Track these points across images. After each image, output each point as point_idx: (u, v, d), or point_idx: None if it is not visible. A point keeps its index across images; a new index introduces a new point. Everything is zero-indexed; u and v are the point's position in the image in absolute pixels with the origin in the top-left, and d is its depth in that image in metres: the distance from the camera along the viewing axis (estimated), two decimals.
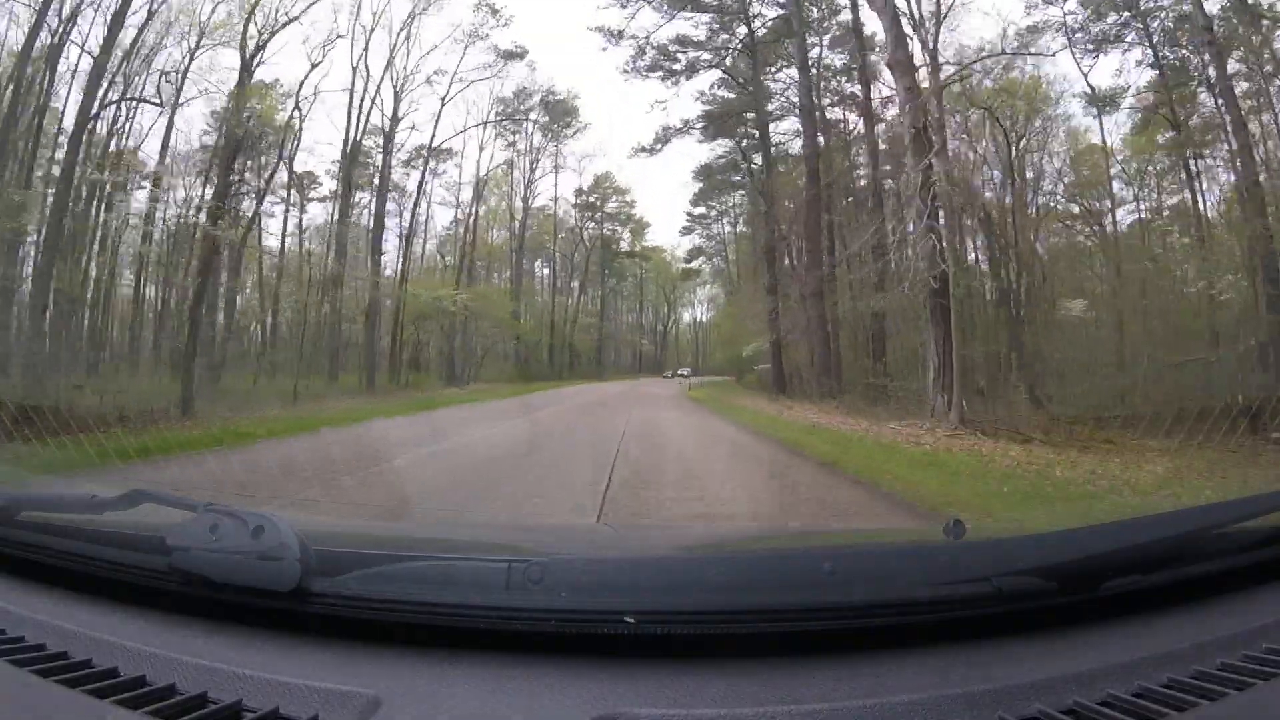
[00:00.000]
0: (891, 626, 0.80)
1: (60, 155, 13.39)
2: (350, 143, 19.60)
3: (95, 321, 15.01)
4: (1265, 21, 11.91)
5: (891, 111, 17.86)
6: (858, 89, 19.00)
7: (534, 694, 0.71)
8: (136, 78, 15.00)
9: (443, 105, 21.39)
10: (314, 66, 17.94)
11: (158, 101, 14.70)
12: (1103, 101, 14.98)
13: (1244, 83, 12.57)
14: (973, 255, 17.75)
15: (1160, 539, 0.92)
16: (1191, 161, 13.66)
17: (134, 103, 14.48)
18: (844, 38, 18.50)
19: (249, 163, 16.78)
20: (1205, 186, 13.89)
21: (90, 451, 5.53)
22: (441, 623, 0.80)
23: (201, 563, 0.83)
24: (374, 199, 21.14)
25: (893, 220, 15.43)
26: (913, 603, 0.81)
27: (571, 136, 26.54)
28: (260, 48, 16.14)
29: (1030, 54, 15.00)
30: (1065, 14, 14.55)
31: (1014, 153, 15.61)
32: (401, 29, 19.85)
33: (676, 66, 20.48)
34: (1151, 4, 13.63)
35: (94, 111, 13.21)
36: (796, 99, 19.95)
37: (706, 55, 20.32)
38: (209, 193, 16.08)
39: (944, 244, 10.69)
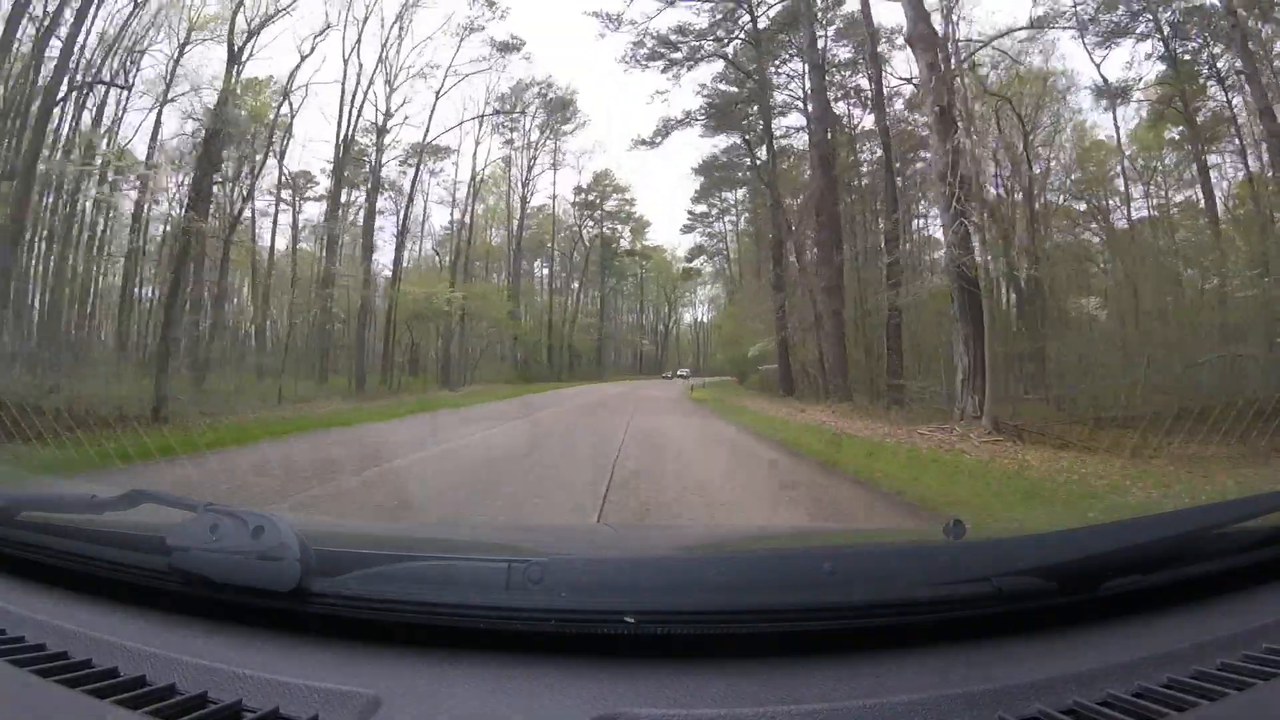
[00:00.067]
0: (891, 626, 0.81)
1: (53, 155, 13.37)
2: (343, 137, 19.50)
3: (75, 320, 14.80)
4: None
5: (898, 106, 17.93)
6: (863, 82, 18.95)
7: (534, 694, 0.72)
8: (127, 74, 15.06)
9: (437, 99, 21.32)
10: (304, 59, 17.93)
11: (123, 85, 14.38)
12: (1114, 94, 14.99)
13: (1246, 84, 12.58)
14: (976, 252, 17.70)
15: (1160, 539, 0.94)
16: (1201, 156, 13.70)
17: (102, 86, 14.16)
18: (849, 29, 18.42)
19: (227, 153, 16.55)
20: (1217, 181, 13.94)
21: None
22: (441, 623, 0.81)
23: (201, 563, 0.85)
24: (367, 196, 21.12)
25: (907, 211, 15.36)
26: (913, 603, 0.83)
27: (570, 133, 26.51)
28: (251, 35, 16.03)
29: (1055, 27, 14.68)
30: (1075, 4, 14.56)
31: (1027, 144, 15.54)
32: (395, 21, 19.79)
33: (677, 55, 20.24)
34: None
35: (60, 95, 12.90)
36: (800, 94, 19.90)
37: (708, 44, 20.07)
38: (205, 193, 16.03)
39: (976, 230, 10.10)
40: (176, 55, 15.26)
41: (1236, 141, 13.10)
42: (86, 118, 14.62)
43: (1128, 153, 15.37)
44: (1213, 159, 13.90)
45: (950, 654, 0.78)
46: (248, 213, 19.35)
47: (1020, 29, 14.53)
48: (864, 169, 20.05)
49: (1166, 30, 13.64)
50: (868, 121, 19.45)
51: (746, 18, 19.46)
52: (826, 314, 16.19)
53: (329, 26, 18.08)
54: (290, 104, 18.39)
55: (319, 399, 15.74)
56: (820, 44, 18.48)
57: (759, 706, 0.69)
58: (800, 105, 20.06)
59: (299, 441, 8.37)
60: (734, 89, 21.09)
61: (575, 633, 0.80)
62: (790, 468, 7.09)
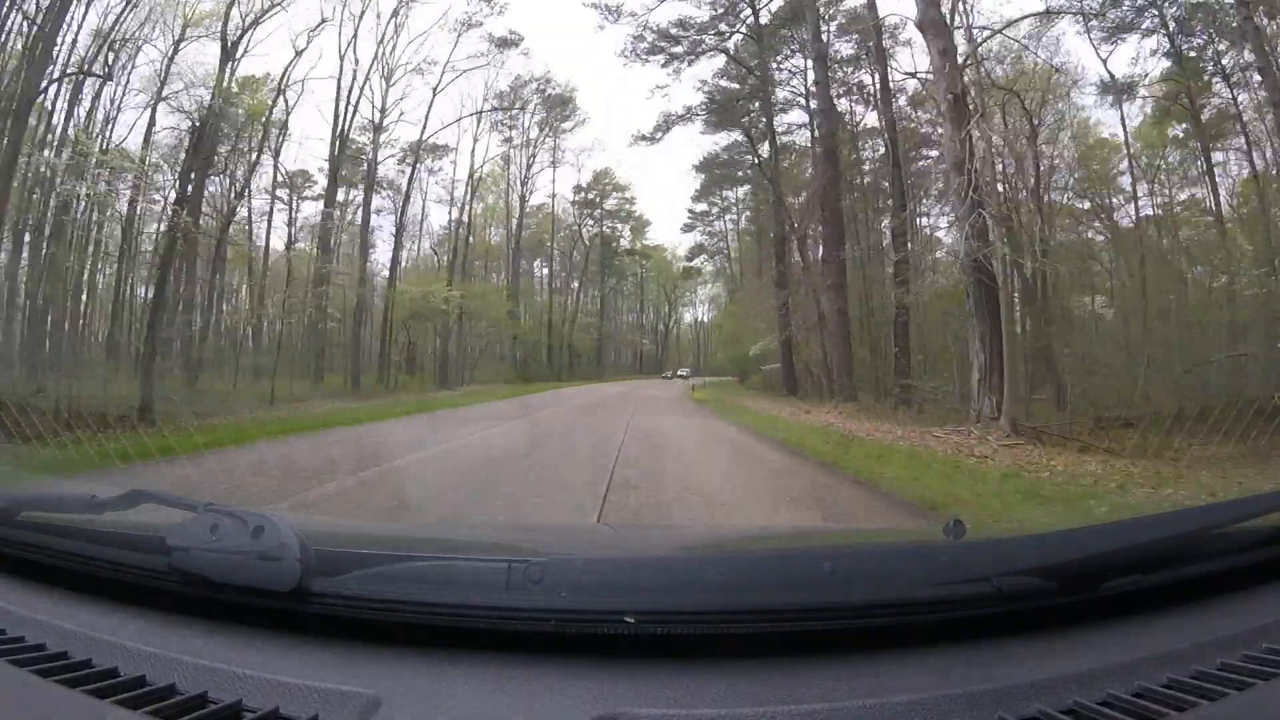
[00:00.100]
0: (891, 626, 0.82)
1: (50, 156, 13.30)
2: (338, 132, 19.47)
3: (63, 319, 14.62)
4: None
5: (900, 102, 17.86)
6: (866, 78, 18.90)
7: (534, 694, 0.73)
8: (110, 66, 15.01)
9: (434, 95, 21.37)
10: (298, 54, 17.80)
11: (103, 75, 14.21)
12: (1120, 89, 14.98)
13: (1258, 75, 12.58)
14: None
15: (1160, 539, 0.94)
16: (1208, 152, 13.69)
17: (95, 82, 14.12)
18: (852, 24, 18.33)
19: (221, 149, 16.51)
20: (1221, 178, 13.94)
21: None
22: (441, 623, 0.82)
23: (201, 563, 0.85)
24: (364, 193, 21.09)
25: (913, 208, 15.20)
26: (913, 603, 0.83)
27: (570, 130, 26.54)
28: (245, 30, 15.99)
29: (1065, 13, 14.31)
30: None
31: (1034, 138, 15.47)
32: (391, 16, 19.79)
33: (677, 50, 20.19)
34: None
35: (41, 86, 12.71)
36: (802, 90, 19.86)
37: (709, 38, 19.98)
38: (195, 188, 15.96)
39: (996, 221, 9.71)
40: (171, 52, 15.26)
41: (1241, 139, 13.14)
42: (82, 115, 14.65)
43: (1129, 153, 15.41)
44: (1216, 157, 13.93)
45: (950, 654, 0.79)
46: (244, 211, 19.36)
47: (1033, 14, 14.30)
48: (865, 166, 20.04)
49: (1172, 26, 13.66)
50: (870, 119, 19.45)
51: (748, 11, 19.41)
52: (831, 312, 15.92)
53: (324, 22, 18.09)
54: (285, 101, 18.40)
55: (314, 399, 15.68)
56: (824, 36, 18.44)
57: (759, 706, 0.70)
58: (802, 102, 20.06)
59: (281, 445, 8.03)
60: (735, 85, 21.04)
61: (575, 633, 0.80)
62: (794, 470, 6.75)
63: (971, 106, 10.37)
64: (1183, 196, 15.12)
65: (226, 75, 15.80)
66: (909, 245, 16.01)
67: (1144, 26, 14.23)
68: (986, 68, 14.95)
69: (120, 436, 7.09)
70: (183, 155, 15.52)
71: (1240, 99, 13.04)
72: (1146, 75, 14.62)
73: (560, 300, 30.61)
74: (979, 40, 12.90)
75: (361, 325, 20.77)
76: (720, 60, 20.70)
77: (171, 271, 15.11)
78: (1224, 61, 12.98)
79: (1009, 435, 8.55)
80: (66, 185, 13.30)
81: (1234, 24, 12.49)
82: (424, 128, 21.74)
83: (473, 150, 25.42)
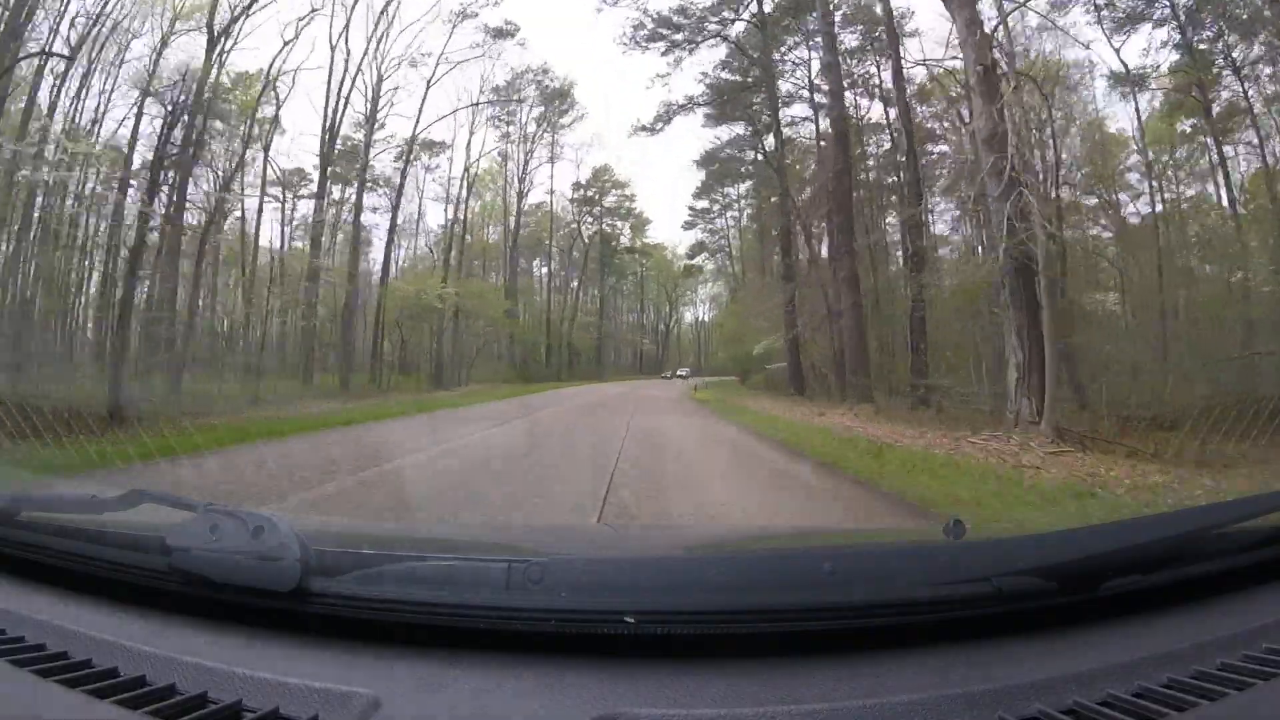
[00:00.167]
0: (891, 626, 0.83)
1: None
2: (329, 125, 19.40)
3: (22, 314, 14.13)
4: None
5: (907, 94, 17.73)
6: (871, 70, 18.85)
7: (534, 694, 0.74)
8: (113, 68, 14.98)
9: (429, 87, 21.37)
10: (286, 44, 17.76)
11: (67, 55, 13.80)
12: (1134, 81, 14.95)
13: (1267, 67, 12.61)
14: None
15: (1160, 539, 0.96)
16: (1220, 146, 13.67)
17: (44, 58, 13.68)
18: (857, 14, 18.29)
19: (207, 141, 16.32)
20: (1237, 172, 13.93)
21: None
22: (441, 623, 0.83)
23: (201, 563, 0.87)
24: (357, 189, 21.03)
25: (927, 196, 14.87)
26: (913, 603, 0.84)
27: (568, 126, 26.52)
28: (235, 19, 15.88)
29: None
30: None
31: (1051, 124, 15.34)
32: (384, 6, 19.76)
33: (678, 37, 20.04)
34: None
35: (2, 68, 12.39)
36: (806, 83, 19.78)
37: (712, 24, 19.80)
38: (179, 182, 15.78)
39: (1037, 201, 8.99)
40: (159, 46, 15.22)
41: (1252, 133, 13.12)
42: (77, 112, 14.58)
43: (1140, 146, 15.38)
44: (1224, 151, 13.92)
45: (950, 654, 0.80)
46: (242, 209, 19.28)
47: None
48: (870, 162, 20.00)
49: (1182, 17, 13.64)
50: (874, 113, 19.40)
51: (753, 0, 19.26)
52: (845, 306, 15.40)
53: (314, 11, 17.95)
54: (276, 94, 18.31)
55: (302, 399, 15.49)
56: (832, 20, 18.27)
57: (759, 706, 0.71)
58: (806, 95, 20.00)
59: (250, 451, 7.38)
60: (737, 78, 20.95)
61: (575, 633, 0.81)
62: (831, 491, 5.74)
63: (1004, 78, 9.71)
64: (1189, 192, 15.12)
65: (214, 66, 15.75)
66: (924, 235, 15.72)
67: (1155, 17, 14.24)
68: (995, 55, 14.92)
69: (82, 441, 6.55)
70: (155, 143, 15.20)
71: (1249, 92, 13.08)
72: (1158, 67, 14.64)
73: (559, 299, 30.65)
74: (1006, 10, 12.48)
75: (353, 324, 20.63)
76: (722, 51, 20.58)
77: (146, 266, 14.87)
78: (1233, 55, 13.00)
79: (1053, 441, 7.90)
80: (27, 172, 12.90)
81: (1244, 16, 12.53)
82: (417, 121, 21.76)
83: (468, 144, 25.34)
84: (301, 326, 19.27)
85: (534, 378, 26.42)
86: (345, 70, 19.59)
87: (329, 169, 20.01)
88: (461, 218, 24.72)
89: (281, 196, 20.83)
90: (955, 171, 16.57)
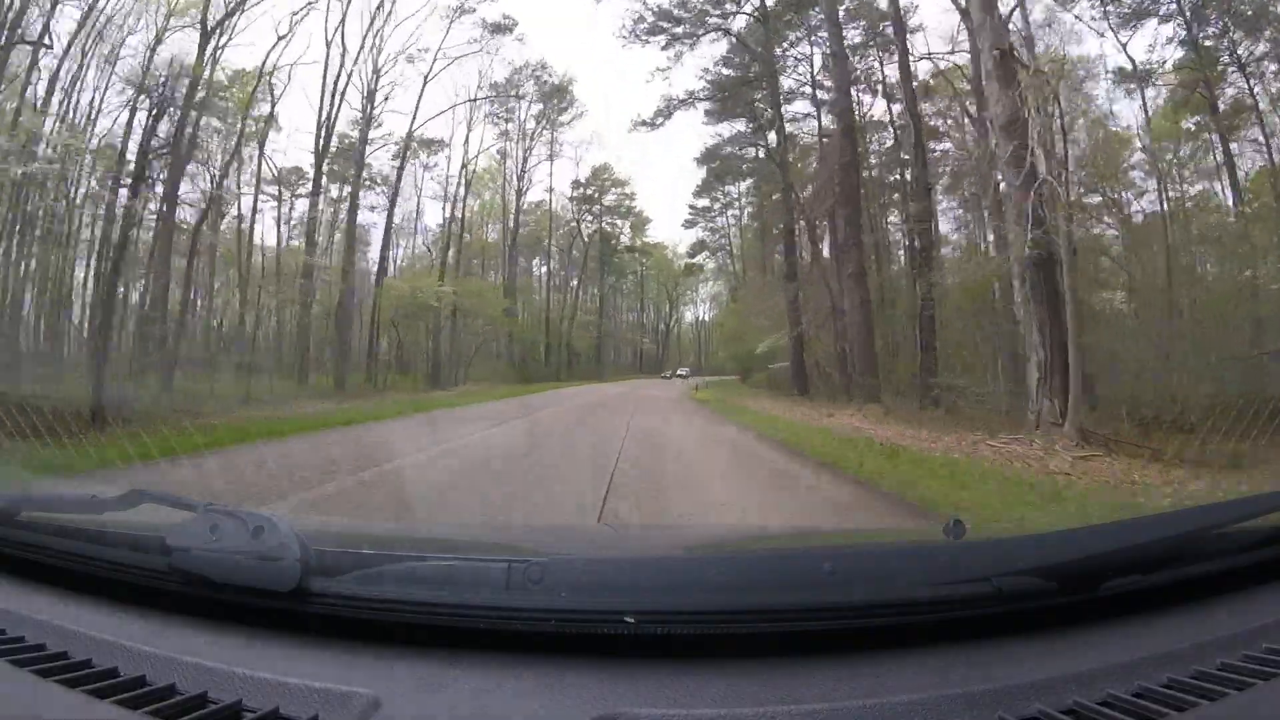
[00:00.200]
0: (891, 626, 0.84)
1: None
2: (324, 119, 19.35)
3: (14, 314, 14.13)
4: None
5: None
6: (874, 66, 18.81)
7: (534, 694, 0.75)
8: (108, 66, 14.95)
9: (425, 83, 21.34)
10: (281, 39, 17.66)
11: (48, 44, 13.61)
12: (1139, 77, 14.94)
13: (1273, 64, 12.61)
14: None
15: (1160, 539, 0.96)
16: (1225, 144, 13.65)
17: (19, 45, 13.75)
18: (860, 10, 18.27)
19: (189, 130, 16.05)
20: (1241, 169, 13.94)
21: None
22: (441, 623, 0.84)
23: (202, 563, 0.87)
24: (353, 185, 20.98)
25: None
26: (913, 603, 0.85)
27: (568, 124, 26.51)
28: (229, 13, 15.82)
29: None
30: None
31: (1061, 117, 15.30)
32: (381, 0, 19.76)
33: (679, 30, 19.95)
34: None
35: None
36: (808, 78, 19.77)
37: (714, 17, 19.69)
38: (170, 178, 15.67)
39: (1058, 192, 8.53)
40: (154, 43, 15.22)
41: (1258, 131, 13.15)
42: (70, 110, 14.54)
43: (1145, 144, 15.37)
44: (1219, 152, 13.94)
45: (950, 654, 0.81)
46: (240, 208, 19.25)
47: None
48: (873, 160, 19.98)
49: (1188, 12, 13.63)
50: (877, 109, 19.37)
51: None
52: (852, 304, 15.10)
53: (310, 5, 17.88)
54: (271, 89, 18.26)
55: (295, 399, 15.39)
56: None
57: (759, 706, 0.71)
58: (808, 92, 19.99)
59: (225, 456, 7.03)
60: (738, 74, 20.92)
61: (575, 633, 0.82)
62: (849, 503, 5.35)
63: (1020, 63, 9.31)
64: (1192, 191, 15.13)
65: (209, 63, 15.68)
66: (933, 230, 15.53)
67: (1161, 12, 14.25)
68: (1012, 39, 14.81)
69: (55, 443, 6.20)
70: (140, 135, 15.01)
71: (1255, 89, 13.08)
72: (1164, 63, 14.65)
73: (559, 298, 30.67)
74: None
75: (350, 323, 20.54)
76: (723, 46, 20.52)
77: (138, 264, 14.77)
78: (1239, 51, 13.02)
79: (1078, 445, 7.54)
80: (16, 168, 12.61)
81: (1249, 12, 12.53)
82: (414, 116, 21.73)
83: (466, 140, 25.40)
84: (296, 325, 19.21)
85: (533, 377, 26.43)
86: (341, 66, 19.58)
87: (326, 166, 20.00)
88: (459, 215, 24.74)
89: (278, 195, 20.84)
90: (960, 166, 16.52)
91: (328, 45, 19.28)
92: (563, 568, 0.89)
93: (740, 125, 22.52)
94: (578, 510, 4.66)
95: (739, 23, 20.11)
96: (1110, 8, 14.55)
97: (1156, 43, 15.03)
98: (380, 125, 21.28)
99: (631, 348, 38.24)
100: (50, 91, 14.13)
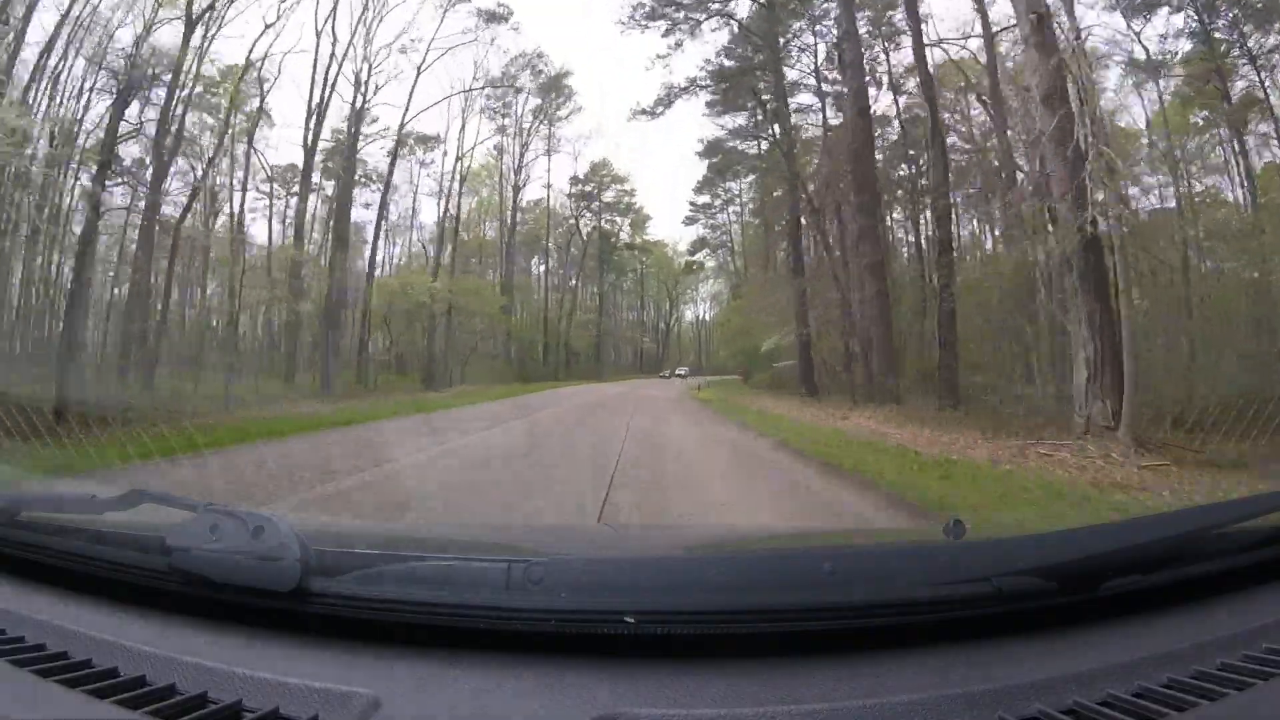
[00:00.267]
0: (891, 626, 0.85)
1: None
2: (316, 109, 19.26)
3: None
4: None
5: (911, 86, 17.52)
6: (880, 56, 18.70)
7: (534, 694, 0.76)
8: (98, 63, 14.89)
9: (419, 74, 21.20)
10: (269, 26, 17.69)
11: (4, 21, 13.19)
12: (1151, 68, 14.89)
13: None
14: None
15: (1160, 539, 0.98)
16: (1238, 137, 13.63)
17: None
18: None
19: (169, 119, 15.83)
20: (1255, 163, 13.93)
21: None
22: (441, 623, 0.85)
23: (201, 563, 0.89)
24: (345, 178, 20.90)
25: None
26: (913, 603, 0.86)
27: (566, 118, 26.46)
28: (212, 4, 15.77)
29: None
30: None
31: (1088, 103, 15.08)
32: None
33: (680, 15, 19.88)
34: None
35: None
36: (812, 69, 19.69)
37: (715, 2, 19.54)
38: (155, 172, 15.52)
39: (1117, 163, 8.16)
40: (141, 33, 15.18)
41: (1265, 125, 13.14)
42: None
43: (1153, 139, 15.32)
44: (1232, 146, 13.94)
45: (950, 654, 0.82)
46: (227, 206, 19.18)
47: None
48: (879, 155, 19.90)
49: (1199, 2, 13.60)
50: (882, 103, 19.31)
51: None
52: (868, 297, 14.59)
53: None
54: (260, 81, 18.17)
55: (278, 400, 15.20)
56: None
57: (759, 706, 0.72)
58: (812, 84, 19.96)
59: (185, 466, 6.41)
60: (741, 64, 20.85)
61: (575, 633, 0.83)
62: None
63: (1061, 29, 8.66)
64: (1199, 187, 15.10)
65: (197, 52, 15.64)
66: (953, 219, 15.24)
67: (1173, 2, 14.23)
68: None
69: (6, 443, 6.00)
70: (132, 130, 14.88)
71: (1266, 82, 13.06)
72: (1175, 54, 14.63)
73: (557, 297, 30.67)
74: None
75: (340, 321, 20.36)
76: (724, 36, 20.40)
77: (120, 259, 14.55)
78: (1249, 44, 13.00)
79: (1135, 451, 6.95)
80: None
81: (1259, 4, 12.51)
82: (407, 108, 21.65)
83: (462, 131, 25.26)
84: (284, 323, 19.09)
85: (531, 377, 26.42)
86: (332, 56, 19.50)
87: (320, 163, 19.96)
88: (454, 211, 24.71)
89: (270, 192, 20.81)
90: (970, 160, 16.32)
91: (318, 35, 19.32)
92: (563, 568, 0.91)
93: (742, 119, 22.48)
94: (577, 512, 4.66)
95: (742, 10, 20.00)
96: None
97: (1168, 34, 14.98)
98: (375, 121, 21.25)
99: (631, 347, 38.25)
100: (34, 79, 14.05)
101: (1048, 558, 0.92)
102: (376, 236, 22.42)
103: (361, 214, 22.47)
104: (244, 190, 19.37)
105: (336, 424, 10.59)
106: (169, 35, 15.68)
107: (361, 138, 20.78)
